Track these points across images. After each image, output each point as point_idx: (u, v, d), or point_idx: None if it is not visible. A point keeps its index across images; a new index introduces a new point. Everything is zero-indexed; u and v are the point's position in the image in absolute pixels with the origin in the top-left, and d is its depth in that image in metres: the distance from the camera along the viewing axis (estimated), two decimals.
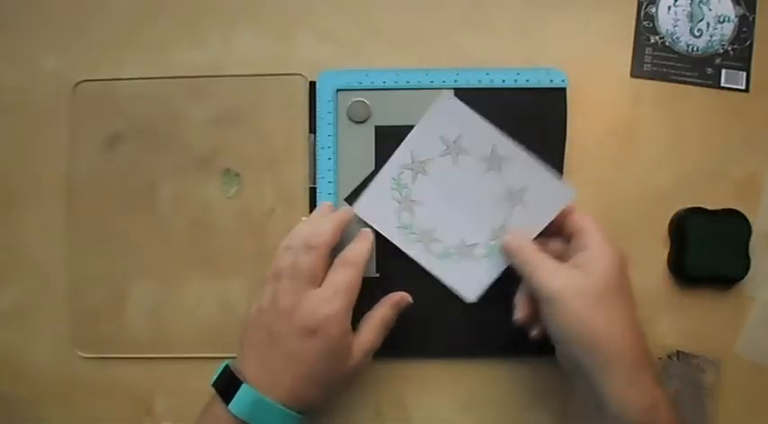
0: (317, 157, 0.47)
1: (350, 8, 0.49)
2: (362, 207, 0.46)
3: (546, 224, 0.44)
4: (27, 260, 0.49)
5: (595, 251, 0.39)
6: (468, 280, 0.46)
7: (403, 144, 0.46)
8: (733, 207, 0.47)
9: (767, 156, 0.48)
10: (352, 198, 0.47)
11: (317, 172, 0.48)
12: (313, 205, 0.48)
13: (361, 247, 0.43)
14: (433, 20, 0.49)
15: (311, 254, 0.40)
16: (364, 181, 0.47)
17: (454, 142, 0.46)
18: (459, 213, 0.46)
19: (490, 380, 0.48)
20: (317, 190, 0.47)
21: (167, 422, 0.48)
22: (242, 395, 0.38)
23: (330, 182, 0.47)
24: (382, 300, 0.44)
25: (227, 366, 0.40)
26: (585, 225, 0.41)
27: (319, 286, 0.40)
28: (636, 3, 0.49)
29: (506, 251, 0.44)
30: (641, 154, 0.48)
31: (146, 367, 0.48)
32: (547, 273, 0.40)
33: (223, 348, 0.47)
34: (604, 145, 0.48)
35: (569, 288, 0.38)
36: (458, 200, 0.46)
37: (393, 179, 0.46)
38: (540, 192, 0.44)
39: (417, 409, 0.48)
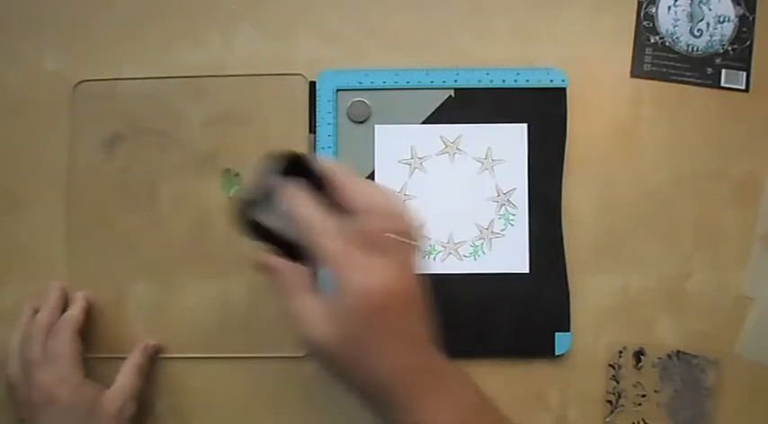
0: (317, 157, 0.48)
1: (350, 8, 0.49)
2: None
3: None
4: (27, 260, 0.49)
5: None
6: (510, 259, 0.47)
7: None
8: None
9: (767, 156, 0.48)
10: None
11: None
12: None
13: (68, 314, 0.45)
14: (433, 20, 0.49)
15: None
16: None
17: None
18: (450, 210, 0.47)
19: (490, 380, 0.47)
20: None
21: None
22: None
23: None
24: (135, 347, 0.46)
25: None
26: None
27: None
28: (636, 3, 0.49)
29: None
30: (641, 154, 0.48)
31: None
32: None
33: (223, 349, 0.47)
34: (604, 145, 0.48)
35: None
36: (451, 198, 0.47)
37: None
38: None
39: None
